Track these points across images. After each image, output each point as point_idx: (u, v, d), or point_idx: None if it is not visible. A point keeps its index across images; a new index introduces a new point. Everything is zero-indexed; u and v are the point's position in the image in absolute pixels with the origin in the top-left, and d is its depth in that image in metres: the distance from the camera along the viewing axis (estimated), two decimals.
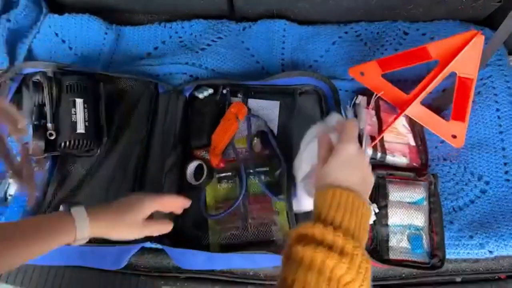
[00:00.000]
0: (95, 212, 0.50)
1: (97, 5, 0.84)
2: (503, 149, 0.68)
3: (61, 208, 0.51)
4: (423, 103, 0.66)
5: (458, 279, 0.63)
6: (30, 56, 0.79)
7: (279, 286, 0.36)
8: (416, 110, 0.66)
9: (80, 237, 0.48)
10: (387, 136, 0.68)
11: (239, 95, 0.72)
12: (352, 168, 0.45)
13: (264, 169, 0.65)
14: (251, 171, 0.65)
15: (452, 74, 0.62)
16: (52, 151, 0.62)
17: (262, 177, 0.65)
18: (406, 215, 0.61)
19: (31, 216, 0.57)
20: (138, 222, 0.52)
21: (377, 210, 0.61)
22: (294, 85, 0.72)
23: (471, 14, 0.79)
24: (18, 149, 0.63)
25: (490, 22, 0.79)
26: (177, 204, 0.58)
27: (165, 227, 0.57)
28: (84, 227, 0.48)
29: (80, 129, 0.63)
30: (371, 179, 0.48)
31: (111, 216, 0.51)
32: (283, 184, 0.63)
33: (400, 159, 0.67)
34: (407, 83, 0.75)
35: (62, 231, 0.47)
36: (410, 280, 0.63)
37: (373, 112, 0.70)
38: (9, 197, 0.63)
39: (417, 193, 0.63)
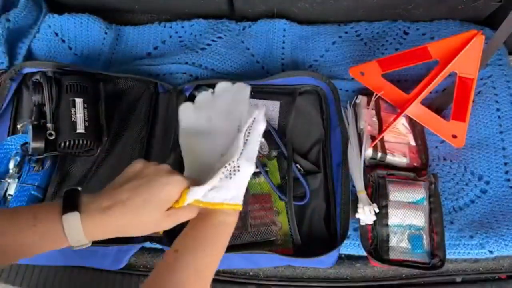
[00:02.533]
0: (93, 220, 0.40)
1: (97, 5, 0.84)
2: (504, 149, 0.68)
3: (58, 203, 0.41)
4: (423, 103, 0.66)
5: (459, 279, 0.63)
6: (29, 56, 0.79)
7: None
8: (416, 110, 0.66)
9: (78, 246, 0.41)
10: (387, 136, 0.68)
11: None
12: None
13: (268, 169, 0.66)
14: None
15: (453, 74, 0.62)
16: (51, 151, 0.62)
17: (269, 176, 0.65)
18: (406, 215, 0.61)
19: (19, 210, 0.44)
20: (159, 217, 0.42)
21: (377, 210, 0.61)
22: (294, 85, 0.71)
23: (471, 13, 0.79)
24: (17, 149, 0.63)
25: (490, 22, 0.79)
26: None
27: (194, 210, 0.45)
28: (78, 239, 0.40)
29: (80, 129, 0.63)
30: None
31: (119, 219, 0.41)
32: (289, 184, 0.63)
33: (400, 159, 0.67)
34: (407, 83, 0.75)
35: (52, 241, 0.40)
36: (410, 280, 0.63)
37: (373, 112, 0.70)
38: (9, 197, 0.63)
39: (417, 193, 0.63)
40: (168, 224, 0.44)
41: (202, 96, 0.57)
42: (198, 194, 0.44)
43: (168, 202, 0.42)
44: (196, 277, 0.43)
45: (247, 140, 0.47)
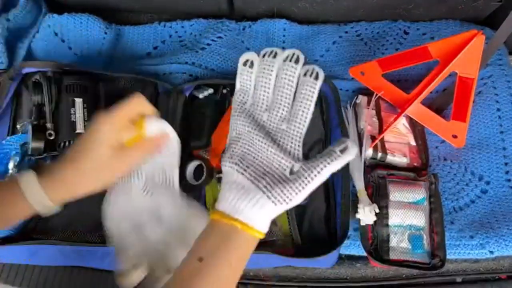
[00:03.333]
0: (47, 173, 0.40)
1: (96, 5, 0.83)
2: (504, 149, 0.68)
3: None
4: (423, 102, 0.66)
5: (459, 279, 0.63)
6: (29, 56, 0.79)
7: None
8: (417, 110, 0.66)
9: (43, 209, 0.41)
10: (388, 136, 0.68)
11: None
12: None
13: None
14: None
15: (453, 74, 0.62)
16: (51, 151, 0.62)
17: None
18: (406, 215, 0.61)
19: None
20: (103, 155, 0.41)
21: (377, 210, 0.61)
22: None
23: (471, 13, 0.79)
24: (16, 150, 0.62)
25: (490, 22, 0.79)
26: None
27: (152, 144, 0.45)
28: (40, 199, 0.40)
29: (80, 129, 0.63)
30: None
31: (68, 167, 0.41)
32: None
33: (400, 159, 0.67)
34: (407, 83, 0.75)
35: (15, 206, 0.40)
36: (411, 280, 0.62)
37: (373, 112, 0.70)
38: None
39: (418, 193, 0.62)
40: (121, 164, 0.44)
41: None
42: (155, 123, 0.44)
43: (103, 140, 0.42)
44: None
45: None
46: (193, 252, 0.41)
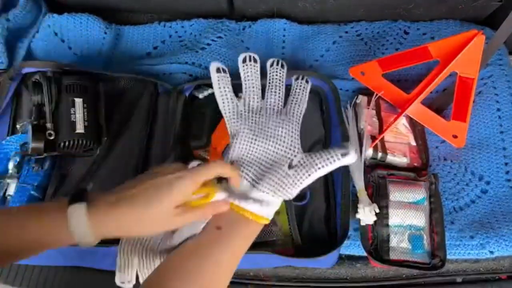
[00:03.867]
0: (100, 212, 0.39)
1: (96, 5, 0.83)
2: (504, 149, 0.68)
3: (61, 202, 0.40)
4: (423, 102, 0.66)
5: (459, 279, 0.63)
6: (29, 56, 0.79)
7: None
8: (417, 109, 0.66)
9: (83, 242, 0.39)
10: (388, 136, 0.68)
11: (239, 94, 0.71)
12: None
13: None
14: None
15: (453, 74, 0.62)
16: (51, 151, 0.62)
17: None
18: (406, 215, 0.61)
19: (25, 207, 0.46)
20: (167, 213, 0.40)
21: (377, 210, 0.61)
22: None
23: (471, 13, 0.79)
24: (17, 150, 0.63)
25: (490, 22, 0.79)
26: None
27: (215, 208, 0.45)
28: (84, 234, 0.38)
29: (80, 129, 0.63)
30: None
31: (126, 213, 0.39)
32: None
33: (400, 159, 0.67)
34: (407, 82, 0.75)
35: (58, 236, 0.39)
36: (411, 280, 0.62)
37: (373, 112, 0.70)
38: (8, 197, 0.63)
39: (418, 193, 0.62)
40: (177, 223, 0.43)
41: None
42: (222, 195, 0.47)
43: (177, 197, 0.41)
44: (233, 260, 0.45)
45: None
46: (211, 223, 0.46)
